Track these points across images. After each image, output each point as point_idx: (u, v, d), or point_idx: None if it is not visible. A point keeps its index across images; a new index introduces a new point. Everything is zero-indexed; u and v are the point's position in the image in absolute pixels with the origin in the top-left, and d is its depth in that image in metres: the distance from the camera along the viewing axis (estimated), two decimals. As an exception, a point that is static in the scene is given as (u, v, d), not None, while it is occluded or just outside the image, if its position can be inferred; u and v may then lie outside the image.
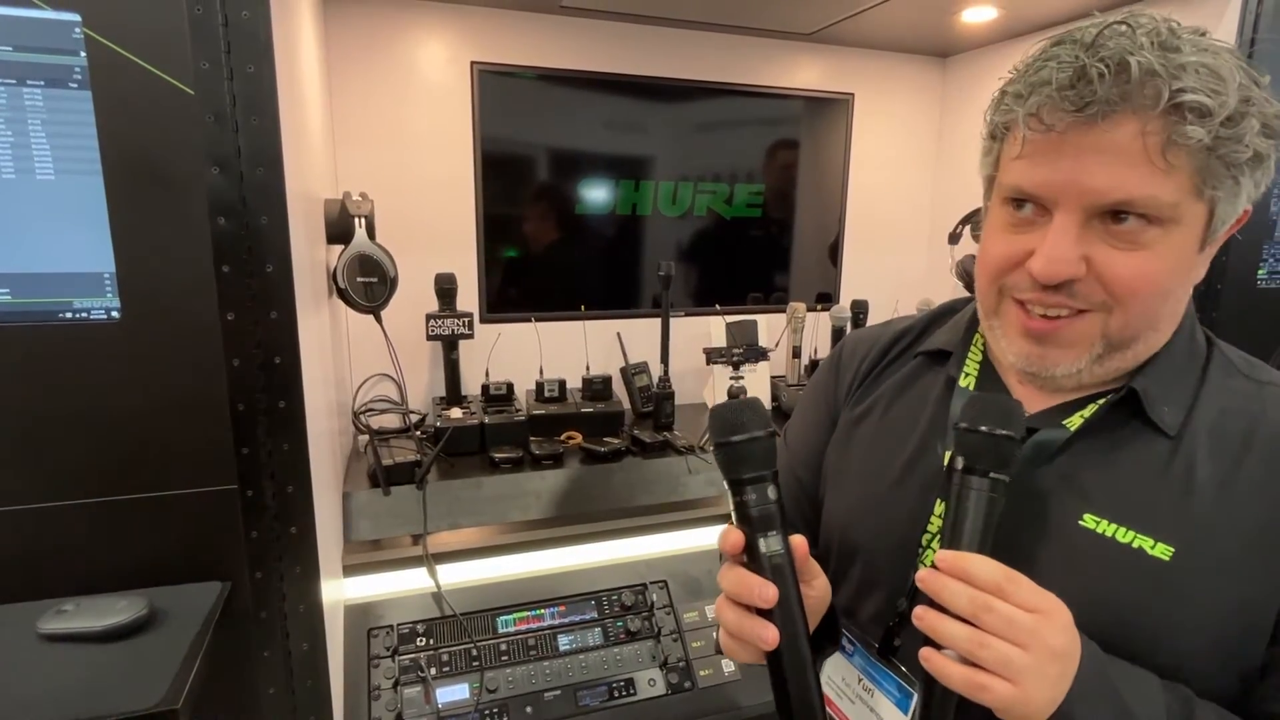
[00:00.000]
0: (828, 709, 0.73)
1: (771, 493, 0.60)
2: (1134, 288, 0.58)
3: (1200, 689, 0.57)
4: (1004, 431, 0.57)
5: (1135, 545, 0.59)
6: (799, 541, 0.60)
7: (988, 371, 0.72)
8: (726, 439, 0.60)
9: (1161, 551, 0.58)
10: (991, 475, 0.58)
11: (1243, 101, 0.53)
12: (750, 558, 0.60)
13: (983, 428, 0.58)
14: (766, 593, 0.58)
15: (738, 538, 0.60)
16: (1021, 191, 0.61)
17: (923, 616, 0.56)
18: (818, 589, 0.65)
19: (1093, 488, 0.62)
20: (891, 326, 0.85)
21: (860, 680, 0.72)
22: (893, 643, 0.69)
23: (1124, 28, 0.55)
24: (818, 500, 0.83)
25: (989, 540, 0.57)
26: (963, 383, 0.72)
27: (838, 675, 0.75)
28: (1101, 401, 0.64)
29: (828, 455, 0.83)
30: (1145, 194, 0.55)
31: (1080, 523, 0.61)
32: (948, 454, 0.66)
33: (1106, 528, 0.60)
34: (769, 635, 0.58)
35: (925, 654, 0.56)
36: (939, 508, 0.68)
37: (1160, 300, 0.60)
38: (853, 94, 2.05)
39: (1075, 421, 0.64)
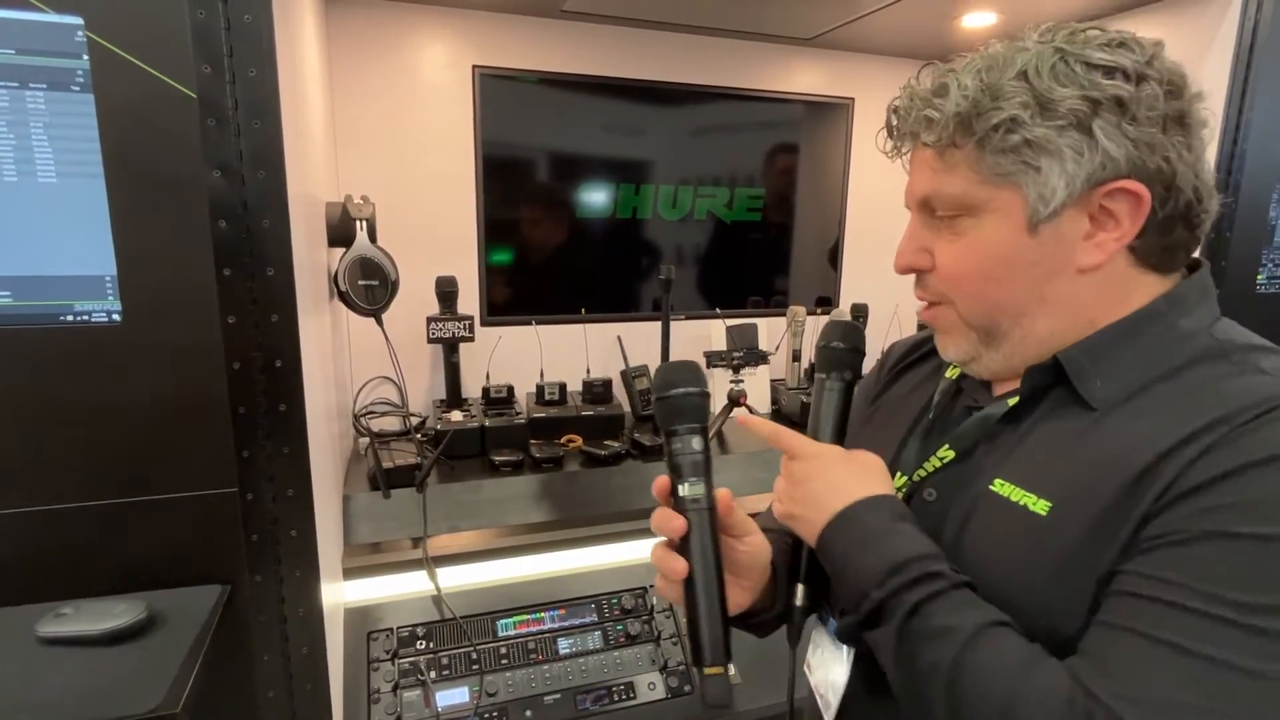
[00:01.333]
0: (814, 688, 0.80)
1: (697, 444, 0.68)
2: (954, 273, 0.66)
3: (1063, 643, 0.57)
4: (834, 344, 0.77)
5: (1022, 503, 0.62)
6: (724, 494, 0.70)
7: None
8: (664, 393, 0.69)
9: (1040, 507, 0.61)
10: (819, 375, 0.77)
11: (983, 96, 0.60)
12: (674, 499, 0.68)
13: (829, 343, 0.77)
14: (675, 523, 0.67)
15: (664, 481, 0.69)
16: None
17: None
18: (748, 544, 0.73)
19: (1010, 457, 0.66)
20: (928, 330, 0.88)
21: (819, 650, 0.79)
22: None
23: (935, 67, 0.66)
24: None
25: (832, 418, 0.75)
26: (949, 373, 0.77)
27: (815, 653, 0.80)
28: (1031, 369, 0.66)
29: None
30: (933, 189, 0.65)
31: (990, 487, 0.65)
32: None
33: (1009, 490, 0.64)
34: (678, 566, 0.66)
35: None
36: (898, 480, 0.74)
37: (990, 286, 0.64)
38: (853, 99, 2.06)
39: (1014, 399, 0.67)
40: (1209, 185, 0.62)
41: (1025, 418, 0.66)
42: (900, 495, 0.71)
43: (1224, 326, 0.63)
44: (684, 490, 0.67)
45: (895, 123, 0.68)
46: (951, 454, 0.70)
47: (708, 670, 0.65)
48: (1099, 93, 0.57)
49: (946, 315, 0.69)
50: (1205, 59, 1.49)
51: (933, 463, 0.71)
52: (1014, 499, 0.63)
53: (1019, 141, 0.59)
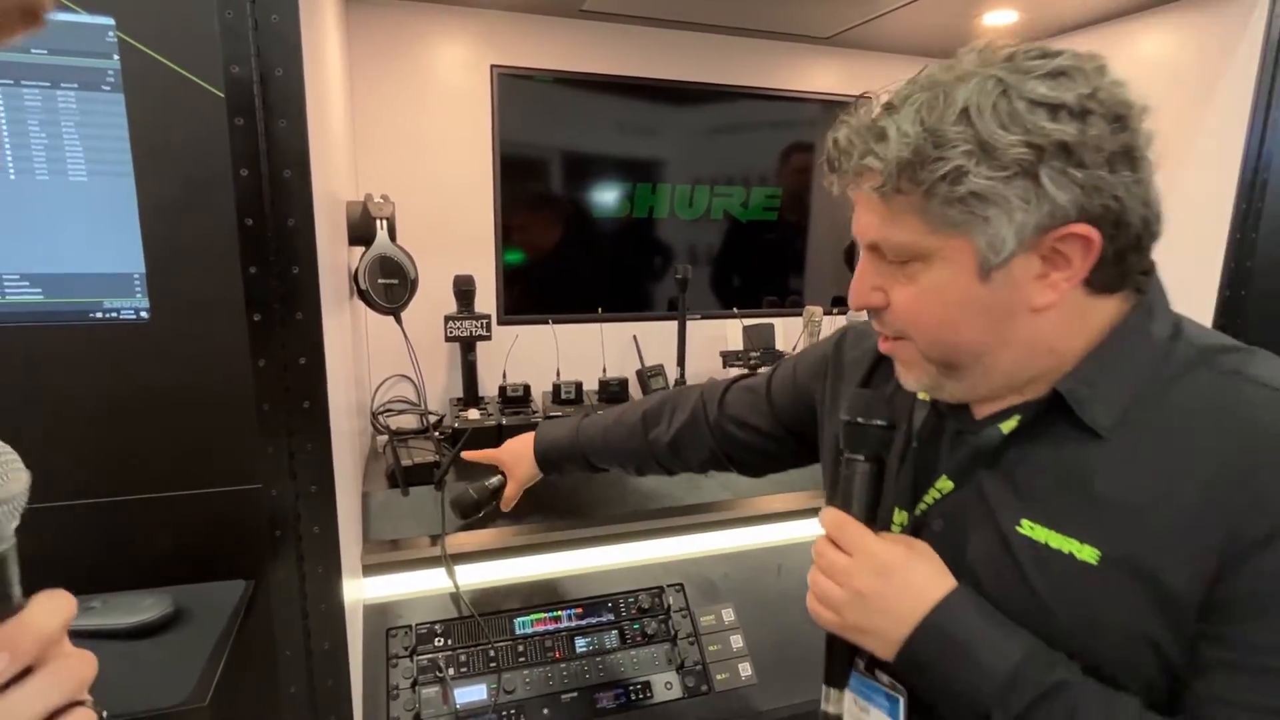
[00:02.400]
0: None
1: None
2: (908, 317, 0.65)
3: (1134, 693, 0.58)
4: (867, 421, 0.70)
5: (1066, 551, 0.60)
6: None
7: None
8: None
9: (1089, 555, 0.59)
10: (861, 458, 0.70)
11: (925, 143, 0.57)
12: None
13: (857, 419, 0.70)
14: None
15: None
16: None
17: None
18: None
19: (1031, 492, 0.64)
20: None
21: (857, 701, 0.74)
22: (875, 658, 0.70)
23: (867, 100, 0.66)
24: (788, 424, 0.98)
25: (865, 502, 0.69)
26: (921, 395, 0.75)
27: (847, 706, 0.76)
28: (1028, 404, 0.65)
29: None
30: (881, 235, 0.63)
31: (1018, 529, 0.63)
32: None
33: (1041, 534, 0.62)
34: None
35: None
36: (898, 516, 0.73)
37: (945, 330, 0.63)
38: (871, 98, 2.04)
39: (1011, 424, 0.65)
40: (1158, 210, 0.60)
41: (1022, 442, 0.65)
42: (905, 530, 0.72)
43: (1188, 327, 0.64)
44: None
45: (837, 159, 0.65)
46: (950, 485, 0.69)
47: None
48: (1043, 138, 0.55)
49: (907, 349, 0.68)
50: (1230, 59, 1.47)
51: (932, 495, 0.70)
52: (1053, 545, 0.61)
53: (965, 193, 0.57)
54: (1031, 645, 0.60)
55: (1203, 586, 0.55)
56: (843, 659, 0.71)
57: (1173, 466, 0.57)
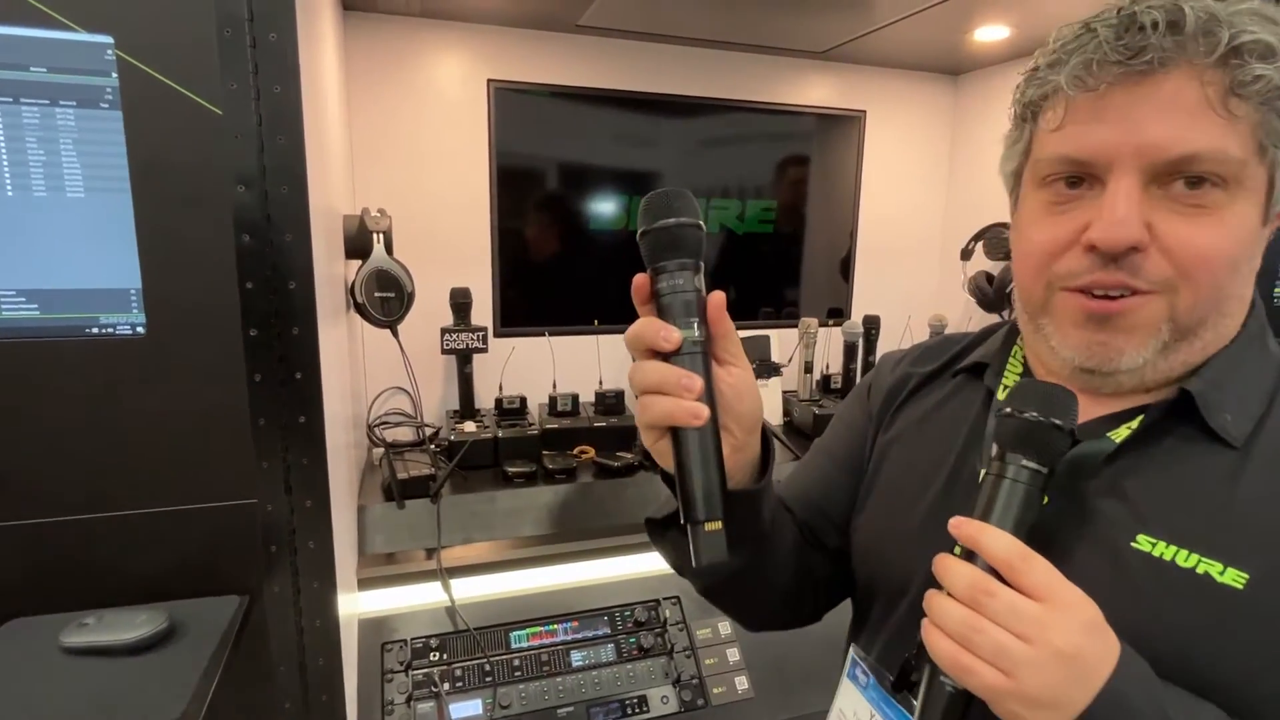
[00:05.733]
0: None
1: (696, 281, 0.57)
2: (1205, 256, 0.53)
3: None
4: (1046, 418, 0.53)
5: (1200, 570, 0.53)
6: (717, 296, 0.57)
7: None
8: (654, 224, 0.57)
9: (1232, 578, 0.52)
10: (1025, 464, 0.53)
11: None
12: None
13: (1028, 413, 0.54)
14: (673, 336, 0.56)
15: (642, 281, 0.58)
16: (1069, 160, 0.56)
17: (930, 598, 0.53)
18: (734, 377, 0.59)
19: (1147, 505, 0.56)
20: (926, 343, 0.82)
21: (872, 715, 0.70)
22: (909, 677, 0.62)
23: None
24: (834, 518, 0.81)
25: (1028, 524, 0.53)
26: (1001, 395, 0.67)
27: (849, 708, 0.73)
28: (1151, 406, 0.58)
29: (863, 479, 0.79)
30: (1212, 146, 0.51)
31: (1134, 544, 0.55)
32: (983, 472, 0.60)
33: (1164, 550, 0.54)
34: (697, 386, 0.54)
35: (925, 624, 0.53)
36: None
37: (1230, 276, 0.54)
38: (864, 111, 2.06)
39: (1122, 433, 0.58)
40: None
41: (1134, 450, 0.58)
42: None
43: None
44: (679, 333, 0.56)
45: (1169, 23, 0.51)
46: (1045, 499, 0.58)
47: (707, 526, 0.55)
48: None
49: (1152, 309, 0.55)
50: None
51: None
52: (1181, 563, 0.54)
53: None
54: (1211, 714, 0.51)
55: None
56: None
57: None
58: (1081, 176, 0.57)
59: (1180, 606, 0.53)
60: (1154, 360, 0.57)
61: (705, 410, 0.55)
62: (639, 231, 0.58)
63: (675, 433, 0.56)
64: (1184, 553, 0.54)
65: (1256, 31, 0.50)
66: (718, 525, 0.55)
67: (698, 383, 0.55)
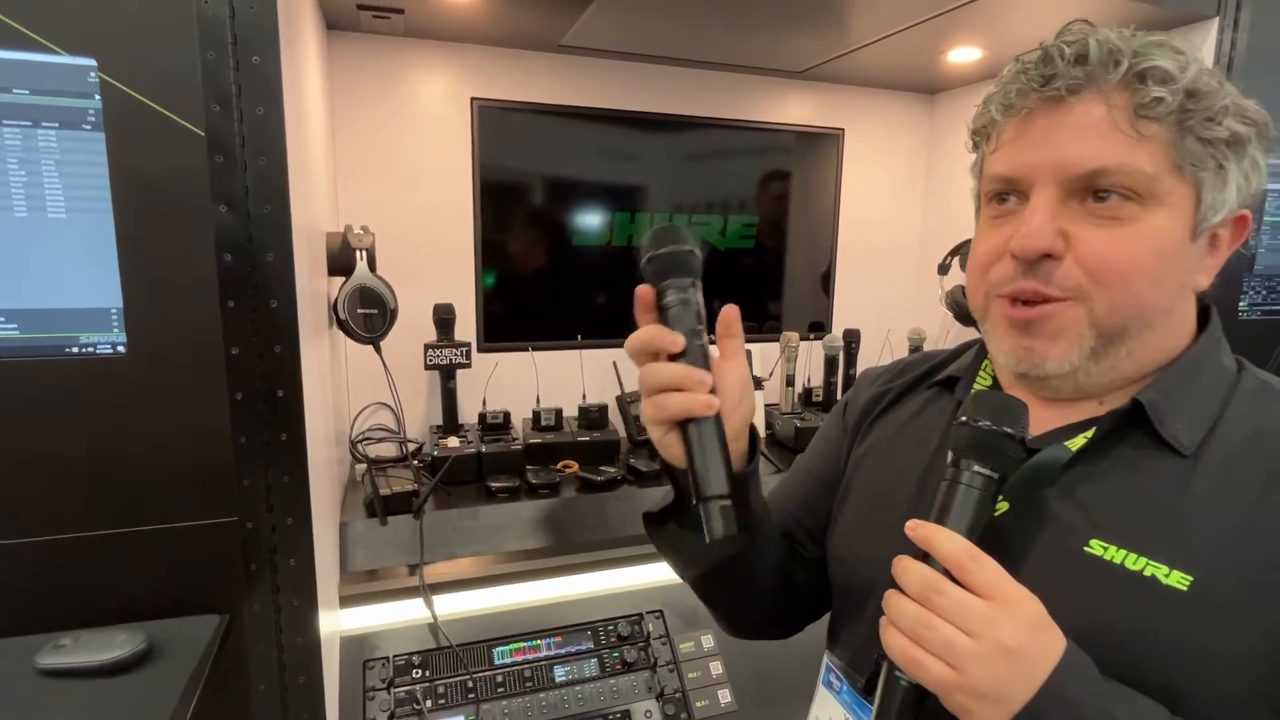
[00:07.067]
0: None
1: (697, 296, 0.65)
2: (1112, 264, 0.57)
3: None
4: (998, 427, 0.56)
5: (1147, 573, 0.55)
6: (731, 310, 0.68)
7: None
8: (657, 250, 0.64)
9: (1178, 580, 0.54)
10: (978, 470, 0.57)
11: (1211, 78, 0.56)
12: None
13: (981, 422, 0.57)
14: (675, 339, 0.63)
15: (645, 291, 0.65)
16: (1000, 178, 0.62)
17: (888, 598, 0.56)
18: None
19: (1100, 511, 0.59)
20: (904, 359, 0.86)
21: (846, 719, 0.71)
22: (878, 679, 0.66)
23: (1087, 25, 0.59)
24: (811, 530, 0.84)
25: (979, 528, 0.57)
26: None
27: (825, 714, 0.74)
28: (1104, 415, 0.62)
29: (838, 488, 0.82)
30: (1120, 161, 0.55)
31: (1086, 549, 0.58)
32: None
33: (1115, 554, 0.57)
34: (706, 378, 0.61)
35: (882, 621, 0.56)
36: None
37: (1145, 284, 0.57)
38: (843, 129, 2.10)
39: (1079, 442, 0.61)
40: None
41: (1088, 458, 0.61)
42: None
43: (1246, 363, 0.64)
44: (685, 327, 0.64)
45: (1076, 55, 0.56)
46: (1005, 505, 0.62)
47: (719, 503, 0.60)
48: (1258, 115, 0.57)
49: (1070, 315, 0.59)
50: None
51: None
52: (1130, 566, 0.56)
53: (1226, 135, 0.55)
54: (1164, 713, 0.52)
55: None
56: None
57: (1269, 495, 0.55)
58: (1012, 193, 0.62)
59: (1128, 607, 0.55)
60: (1085, 366, 0.61)
61: (717, 400, 0.62)
62: (646, 257, 0.65)
63: (685, 424, 0.62)
64: (1133, 556, 0.56)
65: (1157, 59, 0.55)
66: (728, 502, 0.61)
67: (709, 378, 0.62)
